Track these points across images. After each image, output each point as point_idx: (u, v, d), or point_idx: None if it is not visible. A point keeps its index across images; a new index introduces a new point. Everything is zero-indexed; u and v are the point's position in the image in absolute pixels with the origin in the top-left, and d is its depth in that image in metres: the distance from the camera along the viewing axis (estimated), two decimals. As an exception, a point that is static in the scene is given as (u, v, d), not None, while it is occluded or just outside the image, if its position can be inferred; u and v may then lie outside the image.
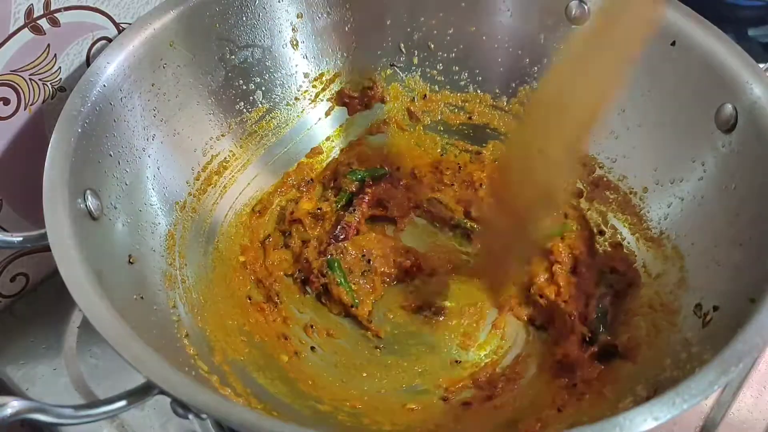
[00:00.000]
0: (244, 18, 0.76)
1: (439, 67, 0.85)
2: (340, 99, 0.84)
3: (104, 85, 0.64)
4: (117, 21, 0.70)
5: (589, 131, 0.63)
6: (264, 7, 0.77)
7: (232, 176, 0.79)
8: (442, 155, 0.86)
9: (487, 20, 0.82)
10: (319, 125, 0.85)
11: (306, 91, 0.83)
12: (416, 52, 0.85)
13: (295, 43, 0.81)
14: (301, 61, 0.82)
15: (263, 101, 0.81)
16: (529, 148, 0.63)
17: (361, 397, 0.67)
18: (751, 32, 0.96)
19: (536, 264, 0.75)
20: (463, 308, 0.75)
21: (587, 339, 0.69)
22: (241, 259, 0.76)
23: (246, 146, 0.80)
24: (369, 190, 0.81)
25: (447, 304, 0.75)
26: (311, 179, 0.83)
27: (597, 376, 0.65)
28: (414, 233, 0.82)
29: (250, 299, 0.74)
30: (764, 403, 0.72)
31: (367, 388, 0.69)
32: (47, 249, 0.53)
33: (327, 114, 0.85)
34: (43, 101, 0.68)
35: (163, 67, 0.70)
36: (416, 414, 0.66)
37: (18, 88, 0.65)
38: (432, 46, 0.84)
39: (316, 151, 0.85)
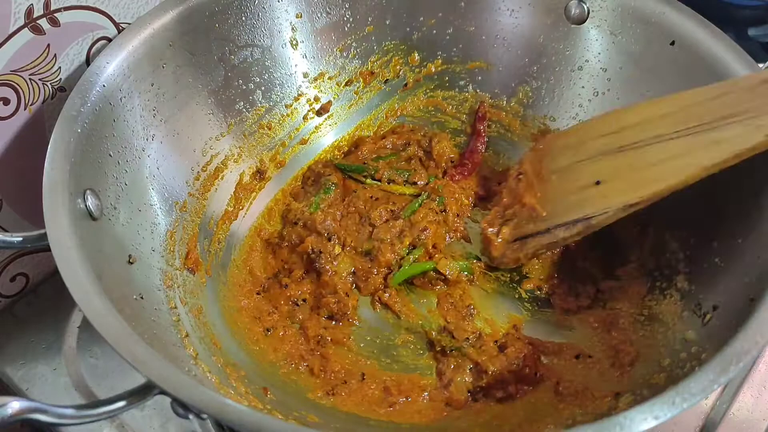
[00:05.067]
0: (244, 18, 0.76)
1: (439, 66, 0.85)
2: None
3: (104, 85, 0.64)
4: (117, 21, 0.70)
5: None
6: (263, 7, 0.77)
7: (232, 176, 0.79)
8: None
9: (486, 20, 0.82)
10: (319, 125, 0.85)
11: (305, 92, 0.83)
12: (416, 51, 0.85)
13: (294, 42, 0.81)
14: (300, 61, 0.82)
15: (263, 101, 0.81)
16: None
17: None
18: (751, 32, 0.96)
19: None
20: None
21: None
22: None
23: (245, 146, 0.80)
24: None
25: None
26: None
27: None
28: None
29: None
30: (764, 403, 0.72)
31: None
32: (47, 249, 0.54)
33: (328, 114, 0.85)
34: (43, 101, 0.68)
35: (163, 67, 0.70)
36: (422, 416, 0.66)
37: (18, 88, 0.65)
38: (431, 45, 0.84)
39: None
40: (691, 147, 0.62)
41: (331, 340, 0.72)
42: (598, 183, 0.68)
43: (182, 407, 0.49)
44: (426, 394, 0.68)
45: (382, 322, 0.74)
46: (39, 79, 0.66)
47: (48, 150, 0.59)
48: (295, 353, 0.70)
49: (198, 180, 0.75)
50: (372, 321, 0.74)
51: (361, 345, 0.72)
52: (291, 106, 0.83)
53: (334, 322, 0.73)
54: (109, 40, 0.69)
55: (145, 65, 0.68)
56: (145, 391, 0.50)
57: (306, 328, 0.72)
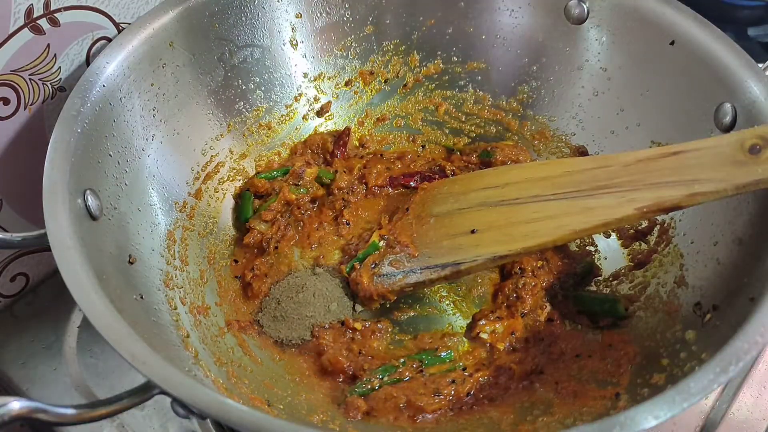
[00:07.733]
0: (244, 18, 0.76)
1: (439, 66, 0.85)
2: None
3: (104, 85, 0.64)
4: (117, 21, 0.70)
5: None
6: (263, 7, 0.77)
7: (231, 176, 0.79)
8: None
9: (486, 20, 0.82)
10: (320, 125, 0.85)
11: (305, 92, 0.83)
12: (416, 51, 0.85)
13: (294, 42, 0.81)
14: (300, 61, 0.82)
15: (262, 101, 0.81)
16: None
17: None
18: (751, 32, 0.96)
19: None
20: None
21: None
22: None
23: (245, 146, 0.80)
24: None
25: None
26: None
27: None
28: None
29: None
30: (764, 403, 0.72)
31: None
32: (47, 249, 0.54)
33: (328, 114, 0.85)
34: (43, 101, 0.68)
35: (163, 67, 0.70)
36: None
37: (18, 88, 0.65)
38: (431, 45, 0.84)
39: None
40: (566, 210, 0.66)
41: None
42: (473, 231, 0.70)
43: (182, 407, 0.50)
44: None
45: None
46: (39, 79, 0.66)
47: (48, 150, 0.59)
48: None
49: (198, 180, 0.75)
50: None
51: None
52: (291, 106, 0.83)
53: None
54: (109, 40, 0.69)
55: (145, 65, 0.68)
56: (145, 391, 0.50)
57: None
